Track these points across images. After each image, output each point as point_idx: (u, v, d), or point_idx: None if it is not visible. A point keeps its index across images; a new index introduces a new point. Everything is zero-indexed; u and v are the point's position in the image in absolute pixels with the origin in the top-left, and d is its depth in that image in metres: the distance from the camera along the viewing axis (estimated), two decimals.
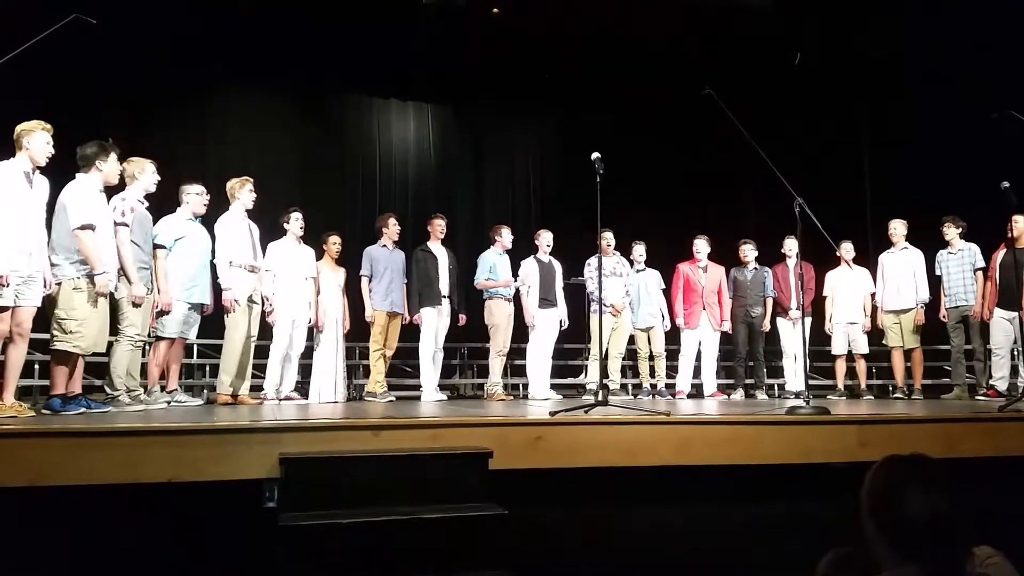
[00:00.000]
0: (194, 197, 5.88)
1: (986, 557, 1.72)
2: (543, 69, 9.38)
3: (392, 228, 7.21)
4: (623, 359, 8.16)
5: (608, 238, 7.54)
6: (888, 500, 1.63)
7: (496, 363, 7.39)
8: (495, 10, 8.76)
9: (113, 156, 4.90)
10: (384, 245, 7.17)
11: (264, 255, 6.44)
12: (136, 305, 5.12)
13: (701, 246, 7.79)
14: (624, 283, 7.75)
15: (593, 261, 7.70)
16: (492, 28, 8.85)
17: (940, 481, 1.62)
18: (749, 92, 8.25)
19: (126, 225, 5.15)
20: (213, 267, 6.00)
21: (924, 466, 1.68)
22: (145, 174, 5.45)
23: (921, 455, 1.71)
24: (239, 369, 6.05)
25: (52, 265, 4.53)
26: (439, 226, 7.40)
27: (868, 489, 1.68)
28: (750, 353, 7.94)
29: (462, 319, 7.40)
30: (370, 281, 7.02)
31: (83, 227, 4.56)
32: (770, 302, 7.91)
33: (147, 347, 5.84)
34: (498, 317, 7.35)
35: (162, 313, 5.56)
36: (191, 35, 8.04)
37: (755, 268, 7.91)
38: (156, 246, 5.53)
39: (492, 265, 7.38)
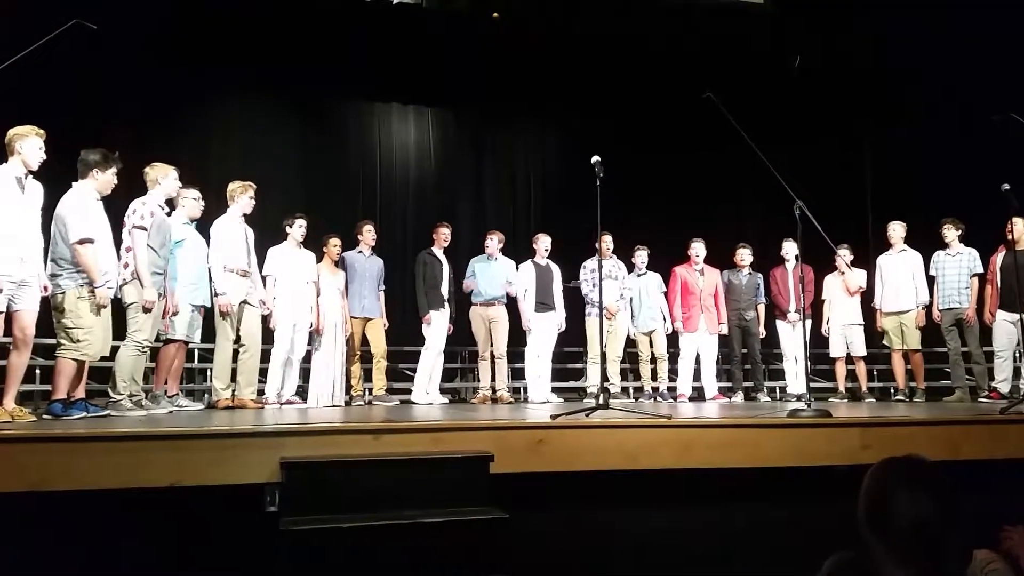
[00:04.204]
0: (191, 202, 5.89)
1: (987, 562, 1.71)
2: (543, 73, 9.39)
3: (367, 235, 7.23)
4: (623, 362, 8.17)
5: (607, 241, 7.55)
6: (879, 503, 1.63)
7: (482, 367, 7.45)
8: (495, 14, 8.77)
9: (112, 169, 4.88)
10: (360, 251, 7.21)
11: (262, 260, 6.45)
12: (147, 310, 5.12)
13: (698, 249, 7.81)
14: (619, 286, 7.75)
15: (589, 263, 7.73)
16: (493, 32, 8.86)
17: (928, 483, 1.62)
18: (750, 95, 8.25)
19: (144, 229, 5.15)
20: (209, 270, 6.01)
21: (914, 468, 1.67)
22: (168, 179, 5.49)
23: (915, 457, 1.70)
24: (235, 373, 6.07)
25: (53, 275, 4.54)
26: (444, 234, 7.48)
27: (863, 492, 1.68)
28: (747, 356, 7.94)
29: (449, 328, 7.43)
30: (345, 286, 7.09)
31: (82, 241, 4.56)
32: (762, 308, 7.92)
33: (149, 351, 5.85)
34: (474, 323, 7.46)
35: (172, 315, 5.59)
36: (193, 41, 8.06)
37: (749, 272, 7.94)
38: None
39: (473, 270, 7.51)
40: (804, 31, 9.07)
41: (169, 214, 5.59)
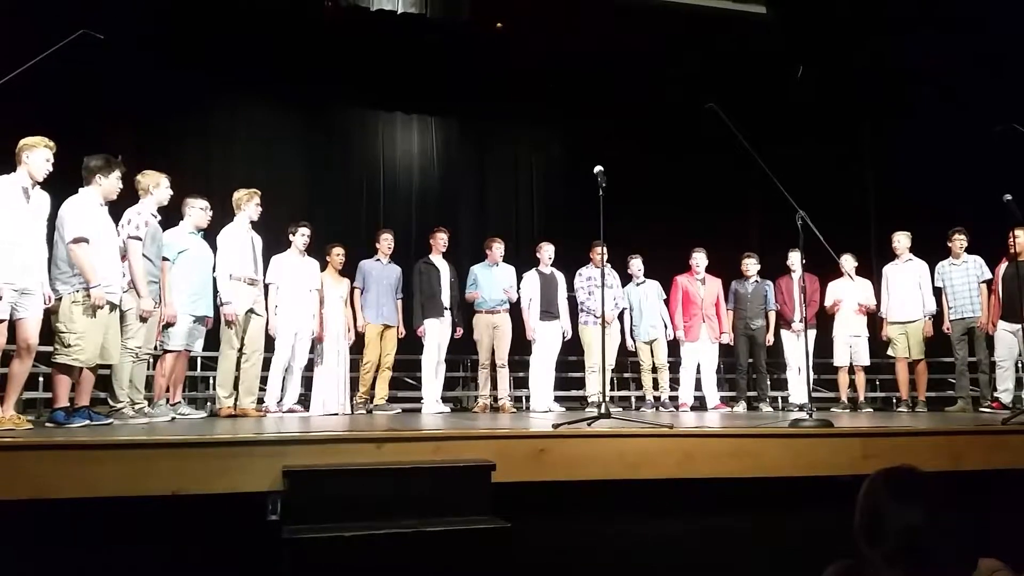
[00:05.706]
0: (198, 211, 5.90)
1: (993, 571, 1.71)
2: (546, 82, 9.42)
3: (384, 243, 7.29)
4: (624, 372, 8.16)
5: (602, 250, 7.55)
6: (872, 513, 1.64)
7: (482, 375, 7.43)
8: (499, 24, 8.80)
9: (116, 173, 4.89)
10: (378, 259, 7.24)
11: (267, 268, 6.46)
12: (143, 319, 5.13)
13: (699, 259, 7.82)
14: (613, 295, 7.72)
15: (584, 271, 7.72)
16: (496, 42, 8.89)
17: (920, 493, 1.62)
18: (752, 105, 8.26)
19: (139, 239, 5.16)
20: (214, 279, 6.02)
21: (905, 478, 1.67)
22: (160, 188, 5.49)
23: (907, 467, 1.71)
24: (238, 382, 6.07)
25: (52, 279, 4.54)
26: (441, 239, 7.48)
27: (857, 503, 1.69)
28: (752, 365, 7.92)
29: (458, 332, 7.45)
30: (362, 294, 7.11)
31: (76, 240, 4.57)
32: (772, 315, 7.90)
33: (151, 360, 5.85)
34: (478, 331, 7.43)
35: (168, 325, 5.58)
36: (195, 48, 8.09)
37: (756, 281, 7.92)
38: (161, 258, 5.54)
39: (475, 278, 7.49)
40: (806, 39, 9.06)
41: (162, 222, 5.59)
